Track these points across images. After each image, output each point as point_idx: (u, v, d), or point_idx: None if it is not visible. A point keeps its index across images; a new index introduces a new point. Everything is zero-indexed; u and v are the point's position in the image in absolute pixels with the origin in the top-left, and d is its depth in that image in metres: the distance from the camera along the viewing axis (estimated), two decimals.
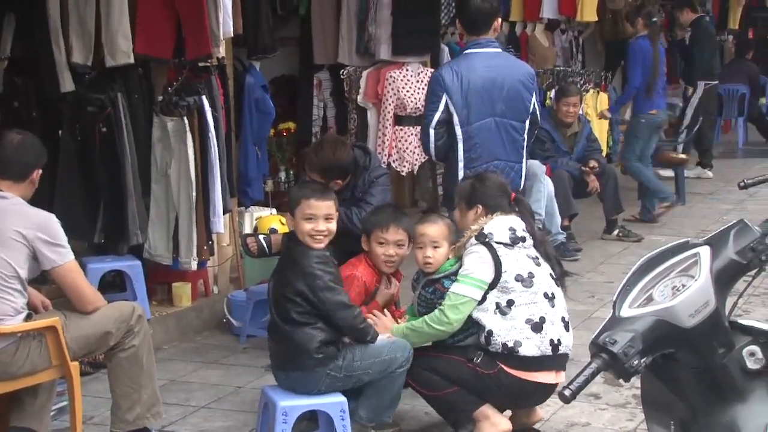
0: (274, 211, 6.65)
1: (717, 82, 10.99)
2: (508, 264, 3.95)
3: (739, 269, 2.27)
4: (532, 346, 3.88)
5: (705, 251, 2.27)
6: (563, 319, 4.00)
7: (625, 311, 2.24)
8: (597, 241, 8.26)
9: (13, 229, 3.76)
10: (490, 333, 3.88)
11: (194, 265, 5.64)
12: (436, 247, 4.08)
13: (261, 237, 5.04)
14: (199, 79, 5.65)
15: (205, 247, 5.68)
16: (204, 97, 5.54)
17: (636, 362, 2.13)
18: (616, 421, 4.42)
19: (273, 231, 6.04)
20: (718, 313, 2.21)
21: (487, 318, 3.90)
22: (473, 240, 4.01)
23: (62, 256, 3.82)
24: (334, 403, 3.90)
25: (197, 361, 5.38)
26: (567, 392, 2.10)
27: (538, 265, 4.03)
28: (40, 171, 3.97)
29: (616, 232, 8.25)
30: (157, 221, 5.63)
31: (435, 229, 4.10)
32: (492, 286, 3.93)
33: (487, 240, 3.98)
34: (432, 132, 4.92)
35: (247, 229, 6.49)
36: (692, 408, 2.31)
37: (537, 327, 3.90)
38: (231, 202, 5.98)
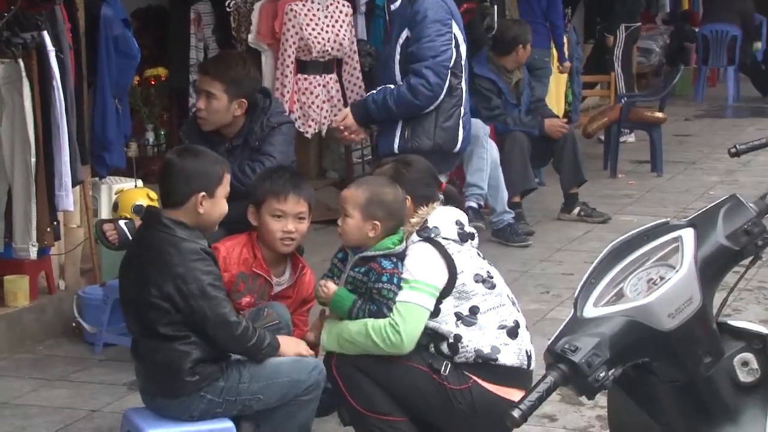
0: (139, 182, 6.58)
1: (639, 23, 11.51)
2: (462, 263, 3.98)
3: (730, 257, 2.31)
4: (511, 354, 3.91)
5: (688, 235, 2.30)
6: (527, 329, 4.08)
7: (589, 311, 2.26)
8: (553, 222, 8.37)
9: None
10: (457, 338, 3.89)
11: (33, 253, 5.57)
12: (345, 215, 4.08)
13: (122, 223, 5.01)
14: (38, 9, 5.55)
15: (48, 230, 5.61)
16: (45, 33, 5.45)
17: (602, 375, 2.15)
18: None
19: (139, 209, 5.97)
20: (704, 313, 2.25)
21: (447, 328, 3.92)
22: (415, 236, 4.04)
23: None
24: (218, 430, 3.89)
25: (38, 378, 5.32)
26: (516, 413, 2.11)
27: (492, 265, 4.11)
28: None
29: (576, 210, 8.36)
30: None
31: (350, 193, 4.09)
32: (445, 293, 3.94)
33: (432, 236, 4.01)
34: (448, 74, 4.95)
35: (105, 206, 6.41)
36: (671, 431, 2.35)
37: (512, 332, 3.94)
38: (83, 172, 5.91)
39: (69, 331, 5.86)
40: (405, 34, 5.41)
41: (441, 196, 4.22)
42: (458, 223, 4.08)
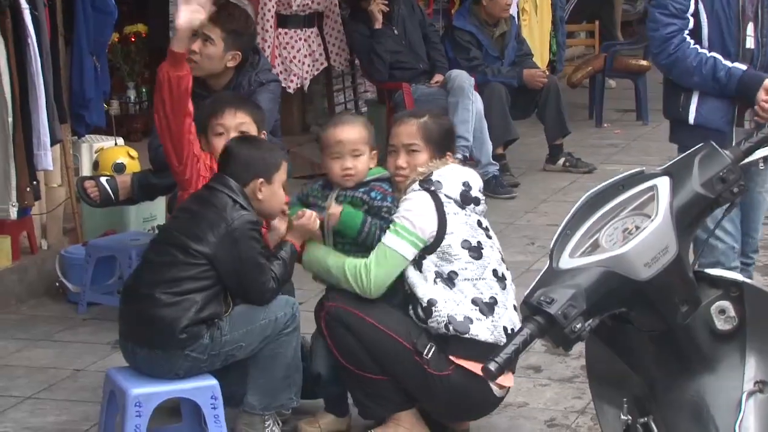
0: (120, 140, 6.56)
1: None
2: (454, 225, 3.95)
3: (705, 205, 2.31)
4: (484, 328, 3.87)
5: (663, 183, 2.30)
6: (515, 307, 4.01)
7: (565, 262, 2.27)
8: (538, 173, 8.37)
9: None
10: (431, 303, 3.87)
11: (14, 213, 5.54)
12: (357, 155, 4.09)
13: (103, 180, 4.99)
14: None
15: (28, 189, 5.57)
16: None
17: (579, 326, 2.16)
18: (560, 400, 4.51)
19: (119, 168, 5.96)
20: (680, 261, 2.25)
21: (426, 287, 3.90)
22: (416, 185, 4.02)
23: None
24: (202, 387, 3.89)
25: (21, 338, 5.32)
26: (492, 365, 2.13)
27: (489, 237, 4.05)
28: None
29: (561, 161, 8.37)
30: None
31: (353, 133, 4.11)
32: (430, 249, 3.93)
33: (433, 189, 3.99)
34: None
35: (86, 165, 6.40)
36: (649, 381, 2.36)
37: (488, 308, 3.89)
38: (61, 130, 5.88)
39: (52, 291, 5.86)
40: None
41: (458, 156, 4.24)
42: (465, 183, 4.03)
